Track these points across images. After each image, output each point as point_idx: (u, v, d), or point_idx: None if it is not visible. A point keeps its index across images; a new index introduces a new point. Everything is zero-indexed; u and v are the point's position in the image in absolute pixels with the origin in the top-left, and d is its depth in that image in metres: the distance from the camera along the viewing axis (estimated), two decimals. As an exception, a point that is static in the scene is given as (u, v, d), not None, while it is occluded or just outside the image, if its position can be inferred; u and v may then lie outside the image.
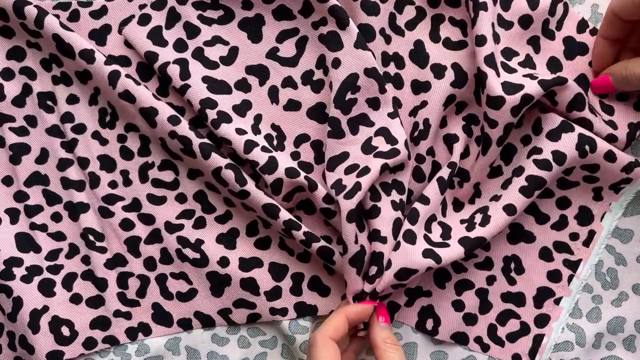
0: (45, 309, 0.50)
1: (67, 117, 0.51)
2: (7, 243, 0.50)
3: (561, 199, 0.50)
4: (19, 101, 0.51)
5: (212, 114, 0.48)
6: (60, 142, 0.51)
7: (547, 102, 0.47)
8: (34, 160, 0.51)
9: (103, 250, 0.51)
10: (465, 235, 0.47)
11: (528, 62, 0.49)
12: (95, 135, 0.51)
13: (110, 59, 0.49)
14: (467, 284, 0.50)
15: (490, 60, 0.46)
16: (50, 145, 0.51)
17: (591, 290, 0.51)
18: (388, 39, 0.50)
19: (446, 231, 0.48)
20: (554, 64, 0.50)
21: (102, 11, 0.51)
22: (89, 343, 0.50)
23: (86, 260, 0.51)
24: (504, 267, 0.51)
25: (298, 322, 0.50)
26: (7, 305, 0.49)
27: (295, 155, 0.50)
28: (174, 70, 0.49)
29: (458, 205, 0.50)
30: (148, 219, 0.51)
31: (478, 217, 0.48)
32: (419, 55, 0.50)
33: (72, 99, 0.51)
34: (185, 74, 0.49)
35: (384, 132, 0.49)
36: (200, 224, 0.51)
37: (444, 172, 0.48)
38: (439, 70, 0.49)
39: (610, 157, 0.47)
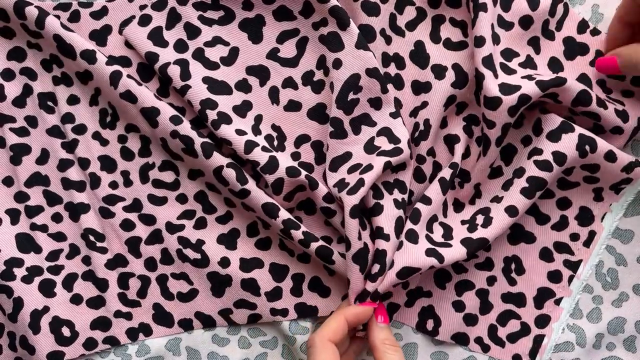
0: (46, 309, 0.50)
1: (68, 118, 0.51)
2: (7, 243, 0.50)
3: (562, 199, 0.50)
4: (19, 102, 0.51)
5: (212, 115, 0.48)
6: (61, 142, 0.51)
7: (550, 101, 0.47)
8: (35, 161, 0.51)
9: (104, 250, 0.51)
10: (467, 236, 0.47)
11: (529, 63, 0.49)
12: (96, 135, 0.51)
13: (111, 60, 0.49)
14: (468, 285, 0.50)
15: (488, 61, 0.46)
16: (51, 146, 0.51)
17: (592, 291, 0.51)
18: (388, 40, 0.50)
19: (447, 232, 0.48)
20: (555, 64, 0.50)
21: (103, 12, 0.51)
22: (90, 343, 0.50)
23: (87, 260, 0.51)
24: (504, 268, 0.51)
25: (298, 323, 0.50)
26: (7, 306, 0.49)
27: (295, 156, 0.50)
28: (174, 71, 0.49)
29: (458, 206, 0.50)
30: (149, 220, 0.51)
31: (480, 219, 0.48)
32: (419, 55, 0.50)
33: (73, 100, 0.51)
34: (185, 74, 0.49)
35: (386, 132, 0.49)
36: (201, 224, 0.51)
37: (446, 173, 0.48)
38: (439, 71, 0.49)
39: (610, 157, 0.47)
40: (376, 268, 0.46)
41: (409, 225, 0.47)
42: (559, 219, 0.50)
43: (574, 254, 0.50)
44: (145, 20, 0.50)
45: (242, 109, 0.50)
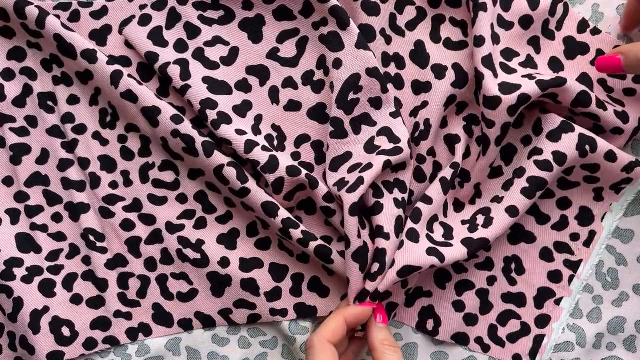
0: (46, 309, 0.50)
1: (68, 118, 0.51)
2: (7, 243, 0.50)
3: (562, 199, 0.50)
4: (19, 102, 0.51)
5: (212, 115, 0.48)
6: (61, 142, 0.51)
7: (549, 101, 0.47)
8: (35, 161, 0.51)
9: (104, 250, 0.51)
10: (468, 236, 0.47)
11: (529, 63, 0.49)
12: (96, 135, 0.51)
13: (111, 60, 0.49)
14: (468, 285, 0.50)
15: (487, 61, 0.46)
16: (51, 146, 0.51)
17: (592, 291, 0.51)
18: (388, 40, 0.50)
19: (448, 231, 0.48)
20: (555, 64, 0.50)
21: (103, 11, 0.51)
22: (90, 343, 0.50)
23: (87, 260, 0.51)
24: (504, 268, 0.51)
25: (298, 323, 0.50)
26: (7, 306, 0.49)
27: (295, 156, 0.50)
28: (174, 71, 0.49)
29: (459, 206, 0.50)
30: (149, 220, 0.51)
31: (480, 219, 0.48)
32: (419, 55, 0.50)
33: (73, 100, 0.51)
34: (185, 74, 0.49)
35: (386, 132, 0.49)
36: (201, 224, 0.51)
37: (447, 173, 0.48)
38: (439, 71, 0.49)
39: (610, 157, 0.47)
40: (376, 267, 0.46)
41: (409, 224, 0.47)
42: (559, 219, 0.50)
43: (574, 254, 0.50)
44: (145, 20, 0.50)
45: (242, 109, 0.50)
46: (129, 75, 0.49)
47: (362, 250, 0.46)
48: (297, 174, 0.47)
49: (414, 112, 0.50)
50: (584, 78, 0.49)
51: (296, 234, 0.47)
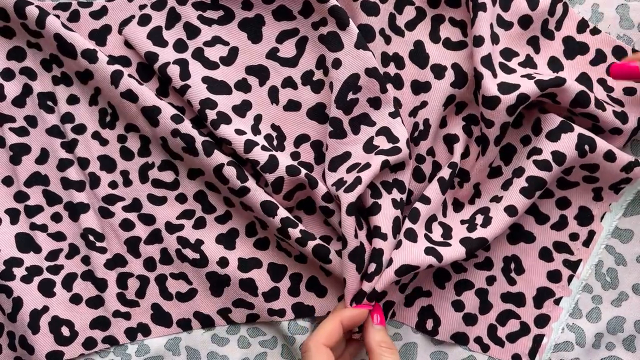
0: (45, 309, 0.50)
1: (68, 118, 0.51)
2: (7, 243, 0.50)
3: (561, 199, 0.50)
4: (19, 101, 0.51)
5: (211, 115, 0.48)
6: (61, 142, 0.51)
7: (548, 101, 0.47)
8: (34, 161, 0.51)
9: (103, 250, 0.51)
10: (466, 235, 0.47)
11: (529, 62, 0.49)
12: (96, 135, 0.51)
13: (111, 59, 0.49)
14: (467, 284, 0.50)
15: (486, 60, 0.46)
16: (51, 146, 0.51)
17: (591, 291, 0.51)
18: (388, 40, 0.50)
19: (447, 231, 0.48)
20: (554, 64, 0.50)
21: (102, 11, 0.51)
22: (89, 343, 0.50)
23: (86, 260, 0.51)
24: (503, 267, 0.51)
25: (297, 323, 0.50)
26: (7, 306, 0.49)
27: (295, 156, 0.50)
28: (174, 71, 0.49)
29: (458, 206, 0.50)
30: (148, 219, 0.51)
31: (479, 218, 0.48)
32: (419, 55, 0.50)
33: (73, 99, 0.51)
34: (185, 74, 0.49)
35: (385, 132, 0.49)
36: (200, 224, 0.51)
37: (445, 172, 0.48)
38: (439, 71, 0.49)
39: (609, 157, 0.47)
40: (372, 267, 0.46)
41: (407, 224, 0.47)
42: (558, 219, 0.50)
43: (574, 254, 0.50)
44: (144, 20, 0.50)
45: (242, 109, 0.50)
46: (129, 75, 0.49)
47: (359, 251, 0.46)
48: (297, 173, 0.47)
49: (414, 112, 0.50)
50: (583, 78, 0.49)
51: (295, 233, 0.47)
